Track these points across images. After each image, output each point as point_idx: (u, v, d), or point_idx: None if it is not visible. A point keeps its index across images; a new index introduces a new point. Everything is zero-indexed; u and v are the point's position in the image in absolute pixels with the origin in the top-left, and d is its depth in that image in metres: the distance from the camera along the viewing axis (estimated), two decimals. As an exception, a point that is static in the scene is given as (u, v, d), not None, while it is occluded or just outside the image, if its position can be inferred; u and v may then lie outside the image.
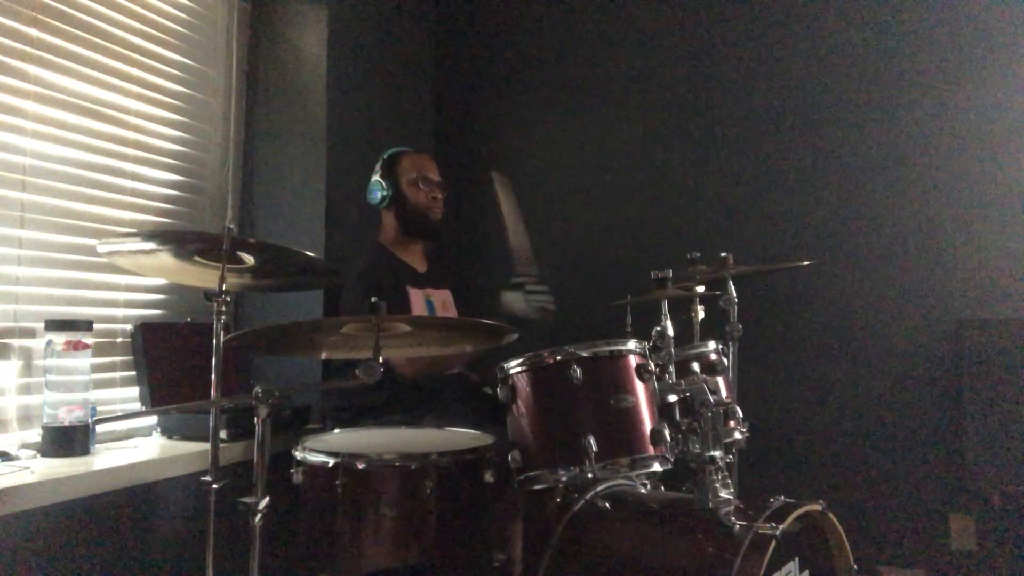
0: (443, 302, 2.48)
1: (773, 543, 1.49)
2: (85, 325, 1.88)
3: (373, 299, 1.41)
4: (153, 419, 2.18)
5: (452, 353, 2.23)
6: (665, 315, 1.90)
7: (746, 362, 2.37)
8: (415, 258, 2.52)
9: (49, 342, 1.83)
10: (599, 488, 1.84)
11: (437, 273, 2.56)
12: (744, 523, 1.55)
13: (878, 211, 2.81)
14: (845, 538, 1.73)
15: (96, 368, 2.00)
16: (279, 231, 2.62)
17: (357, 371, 1.38)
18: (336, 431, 2.04)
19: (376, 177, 2.47)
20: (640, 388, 1.74)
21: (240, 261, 1.71)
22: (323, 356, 2.18)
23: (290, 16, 2.69)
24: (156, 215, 2.33)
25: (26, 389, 1.89)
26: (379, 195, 2.45)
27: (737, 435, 2.06)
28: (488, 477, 1.68)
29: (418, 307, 2.36)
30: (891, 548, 2.72)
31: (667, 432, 1.71)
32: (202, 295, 1.65)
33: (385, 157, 2.50)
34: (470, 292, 2.73)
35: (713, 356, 2.14)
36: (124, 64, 2.20)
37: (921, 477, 2.71)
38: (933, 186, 2.76)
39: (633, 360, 1.76)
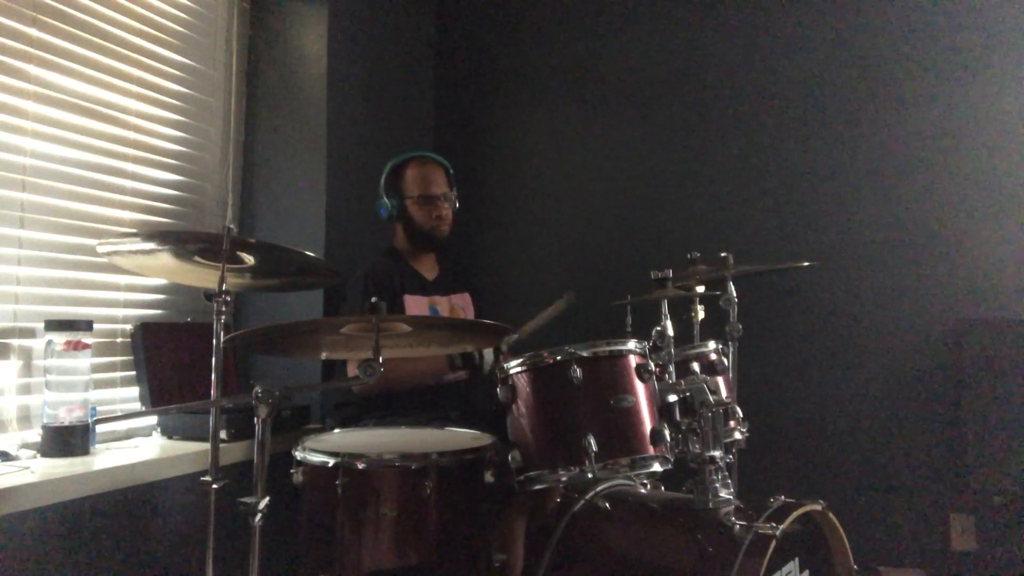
0: (451, 308, 2.47)
1: (773, 543, 1.50)
2: (85, 325, 1.88)
3: (373, 299, 1.41)
4: (153, 419, 2.18)
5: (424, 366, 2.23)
6: (665, 315, 1.90)
7: (746, 362, 2.37)
8: (425, 266, 2.49)
9: (49, 342, 1.83)
10: (599, 488, 1.84)
11: (449, 279, 2.53)
12: (744, 523, 1.55)
13: (878, 211, 2.81)
14: (845, 538, 1.73)
15: (96, 368, 2.00)
16: (279, 231, 2.62)
17: (357, 371, 1.38)
18: (336, 431, 2.04)
19: (381, 193, 2.43)
20: (640, 388, 1.74)
21: (240, 261, 1.71)
22: (323, 356, 2.19)
23: (290, 16, 2.69)
24: (156, 215, 2.33)
25: (26, 389, 1.89)
26: (385, 213, 2.44)
27: (737, 435, 2.06)
28: (488, 477, 1.68)
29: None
30: (891, 548, 2.72)
31: (667, 432, 1.72)
32: (202, 295, 1.65)
33: (389, 169, 2.45)
34: (487, 291, 2.72)
35: (713, 356, 2.14)
36: (124, 64, 2.20)
37: (921, 477, 2.71)
38: (933, 186, 2.76)
39: (633, 360, 1.76)
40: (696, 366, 2.04)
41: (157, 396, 2.14)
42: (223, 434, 2.02)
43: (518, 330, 2.24)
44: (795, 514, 1.57)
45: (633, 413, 1.72)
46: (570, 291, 2.40)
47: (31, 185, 1.93)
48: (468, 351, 2.21)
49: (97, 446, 1.92)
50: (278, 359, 2.56)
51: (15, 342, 1.87)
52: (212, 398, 1.65)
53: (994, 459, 2.50)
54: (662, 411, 1.76)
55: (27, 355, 1.89)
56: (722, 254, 2.28)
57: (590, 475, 1.65)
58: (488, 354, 2.23)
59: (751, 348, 2.48)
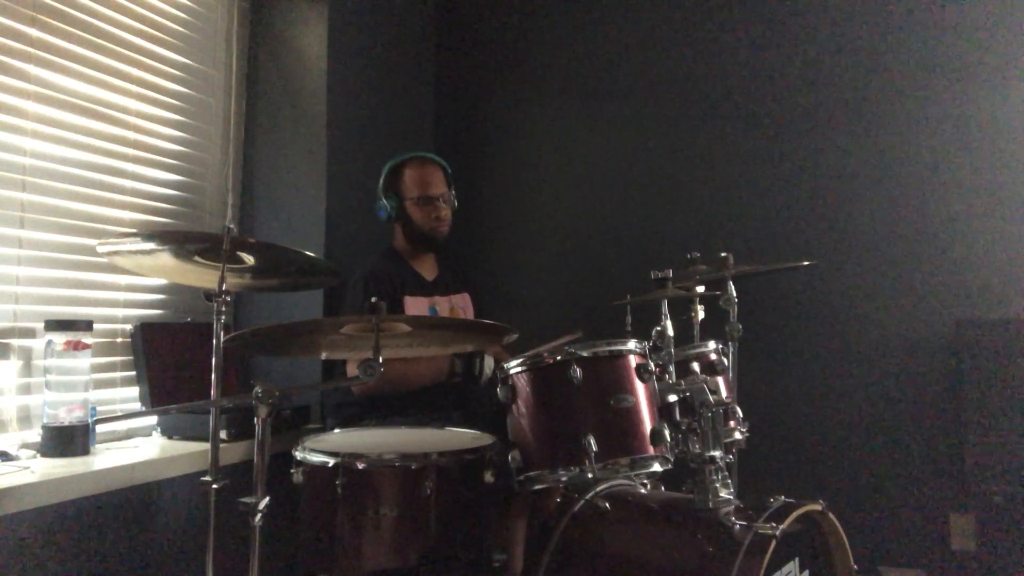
0: (451, 308, 2.47)
1: (773, 543, 1.50)
2: (85, 325, 1.88)
3: (373, 299, 1.41)
4: (153, 419, 2.18)
5: (420, 366, 2.23)
6: (665, 315, 1.90)
7: (746, 362, 2.37)
8: (425, 266, 2.49)
9: (49, 342, 1.83)
10: (599, 488, 1.84)
11: (448, 279, 2.53)
12: (744, 523, 1.55)
13: (878, 211, 2.81)
14: (845, 538, 1.73)
15: (96, 368, 2.00)
16: (279, 231, 2.62)
17: (357, 371, 1.38)
18: (336, 431, 2.04)
19: (380, 195, 2.43)
20: (640, 388, 1.74)
21: (240, 261, 1.71)
22: (323, 356, 2.19)
23: (290, 16, 2.69)
24: (156, 215, 2.33)
25: (26, 389, 1.89)
26: (384, 215, 2.44)
27: (737, 435, 2.06)
28: (488, 477, 1.68)
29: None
30: (891, 548, 2.72)
31: (667, 432, 1.72)
32: (202, 295, 1.65)
33: (387, 170, 2.45)
34: (486, 291, 2.72)
35: (713, 356, 2.14)
36: (124, 64, 2.20)
37: (921, 477, 2.71)
38: (933, 186, 2.76)
39: (633, 360, 1.76)
40: (696, 366, 2.04)
41: (157, 396, 2.14)
42: (223, 434, 2.02)
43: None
44: (795, 514, 1.57)
45: (633, 413, 1.72)
46: (579, 330, 2.36)
47: (31, 185, 1.93)
48: (470, 359, 2.22)
49: (97, 446, 1.92)
50: (278, 359, 2.56)
51: (15, 342, 1.87)
52: (212, 398, 1.65)
53: (994, 459, 2.50)
54: (662, 411, 1.76)
55: (27, 355, 1.89)
56: (722, 254, 2.28)
57: (590, 475, 1.66)
58: (488, 365, 2.23)
59: (751, 348, 2.48)
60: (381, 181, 2.44)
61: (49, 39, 1.97)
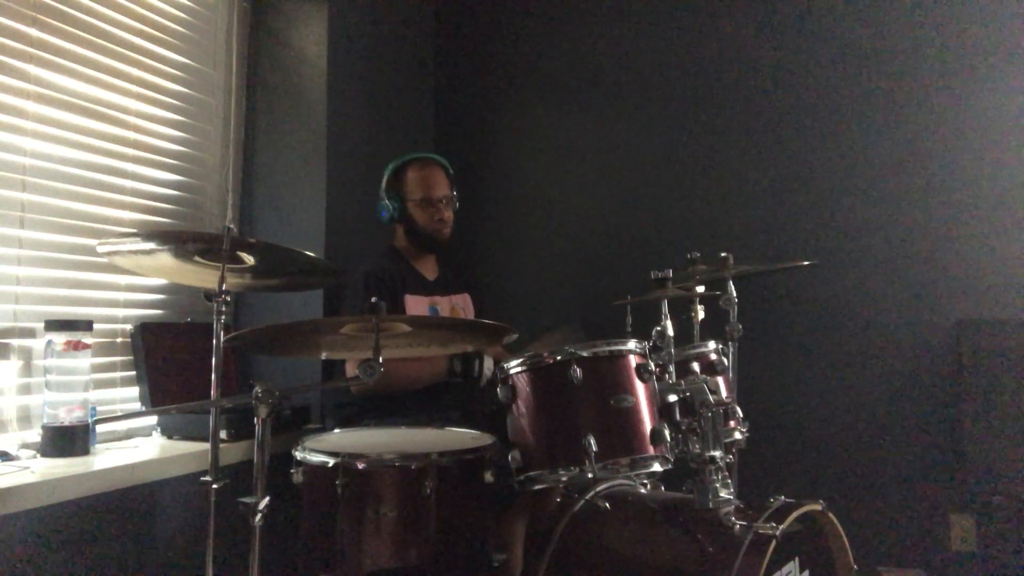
0: (452, 308, 2.47)
1: (773, 543, 1.50)
2: (85, 325, 1.88)
3: (373, 299, 1.41)
4: (153, 419, 2.18)
5: (417, 367, 2.23)
6: (665, 315, 1.90)
7: (746, 362, 2.37)
8: (426, 266, 2.49)
9: (49, 342, 1.83)
10: (599, 488, 1.84)
11: (449, 279, 2.53)
12: (744, 523, 1.55)
13: (878, 211, 2.81)
14: (845, 538, 1.73)
15: (96, 368, 2.00)
16: (279, 231, 2.62)
17: (357, 371, 1.38)
18: (336, 431, 2.04)
19: (383, 196, 2.43)
20: (640, 388, 1.74)
21: (240, 261, 1.71)
22: (323, 356, 2.19)
23: (290, 16, 2.69)
24: (156, 215, 2.33)
25: (26, 389, 1.89)
26: (386, 215, 2.44)
27: (737, 435, 2.06)
28: (488, 477, 1.68)
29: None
30: (891, 548, 2.72)
31: (667, 432, 1.71)
32: (202, 295, 1.65)
33: (390, 171, 2.45)
34: (487, 291, 2.72)
35: (713, 356, 2.14)
36: (124, 64, 2.20)
37: (921, 477, 2.71)
38: (933, 186, 2.76)
39: (633, 360, 1.76)
40: (696, 366, 2.04)
41: (157, 396, 2.14)
42: (223, 434, 2.02)
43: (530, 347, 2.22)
44: (795, 514, 1.57)
45: (633, 413, 1.72)
46: (579, 327, 2.39)
47: (31, 185, 1.93)
48: (469, 359, 2.22)
49: (97, 446, 1.92)
50: (278, 359, 2.56)
51: (15, 342, 1.87)
52: (212, 398, 1.65)
53: (994, 459, 2.50)
54: (662, 411, 1.76)
55: (27, 355, 1.89)
56: (722, 254, 2.28)
57: (590, 475, 1.65)
58: (488, 366, 2.23)
59: (751, 348, 2.48)
60: (384, 181, 2.44)
61: (49, 39, 1.97)
